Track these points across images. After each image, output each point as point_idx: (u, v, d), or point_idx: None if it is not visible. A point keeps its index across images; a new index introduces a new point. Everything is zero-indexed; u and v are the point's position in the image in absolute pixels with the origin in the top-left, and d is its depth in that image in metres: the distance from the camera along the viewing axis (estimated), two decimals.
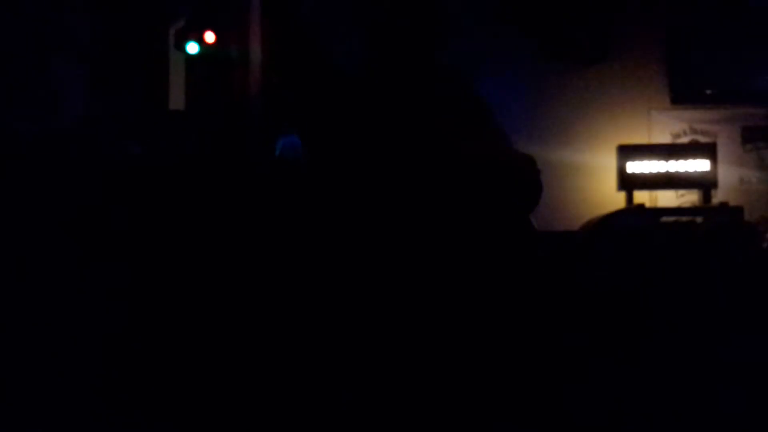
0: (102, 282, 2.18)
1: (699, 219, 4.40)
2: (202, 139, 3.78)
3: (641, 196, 4.89)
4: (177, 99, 4.62)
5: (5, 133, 2.93)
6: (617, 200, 4.83)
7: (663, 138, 5.22)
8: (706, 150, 4.92)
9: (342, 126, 1.78)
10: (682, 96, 5.28)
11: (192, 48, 4.54)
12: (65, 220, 2.24)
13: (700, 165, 4.82)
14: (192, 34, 4.69)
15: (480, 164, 1.78)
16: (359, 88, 1.84)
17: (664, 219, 4.26)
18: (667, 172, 4.80)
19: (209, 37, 4.75)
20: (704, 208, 4.69)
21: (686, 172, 4.81)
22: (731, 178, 5.12)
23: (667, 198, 5.06)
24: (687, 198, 5.06)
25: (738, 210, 4.49)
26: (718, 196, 4.91)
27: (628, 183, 4.80)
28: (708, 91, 5.29)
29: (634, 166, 4.81)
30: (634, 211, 4.57)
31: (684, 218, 4.30)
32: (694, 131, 5.30)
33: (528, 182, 1.84)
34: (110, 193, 2.24)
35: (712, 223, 4.05)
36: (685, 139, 5.24)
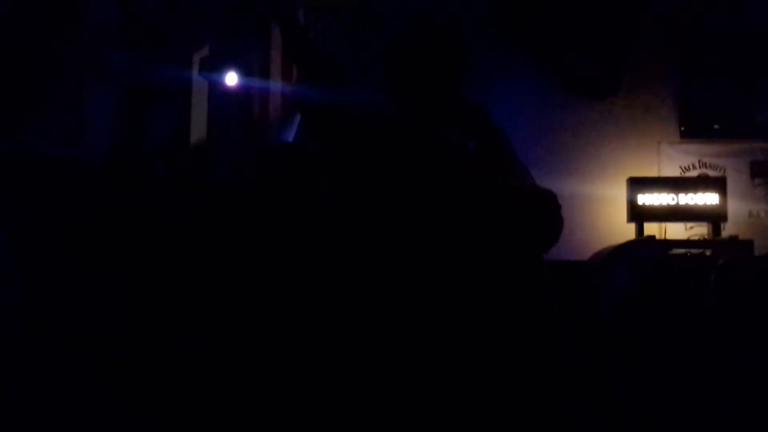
0: (130, 301, 2.25)
1: (708, 252, 4.47)
2: (224, 166, 3.88)
3: (650, 228, 4.96)
4: (199, 126, 4.73)
5: (39, 156, 3.02)
6: (627, 231, 4.91)
7: (672, 171, 5.31)
8: (716, 183, 5.00)
9: (367, 164, 1.84)
10: (691, 130, 5.38)
11: (230, 78, 4.64)
12: (96, 238, 2.33)
13: (710, 198, 4.90)
14: (215, 62, 4.81)
15: (506, 199, 1.84)
16: (384, 128, 1.91)
17: (675, 251, 4.33)
18: (677, 204, 4.88)
19: (229, 66, 4.87)
20: (714, 240, 4.76)
21: (696, 204, 4.89)
22: (740, 211, 5.20)
23: (676, 230, 5.14)
24: (696, 231, 5.13)
25: (748, 243, 4.56)
26: (727, 230, 4.98)
27: (639, 215, 4.88)
28: (716, 126, 5.39)
29: (644, 198, 4.89)
30: (644, 242, 4.65)
31: (694, 251, 4.37)
32: (702, 165, 5.39)
33: (551, 217, 1.90)
34: (139, 212, 2.32)
35: (727, 257, 4.11)
36: (693, 173, 5.32)
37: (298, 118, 3.62)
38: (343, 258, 1.82)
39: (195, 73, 4.88)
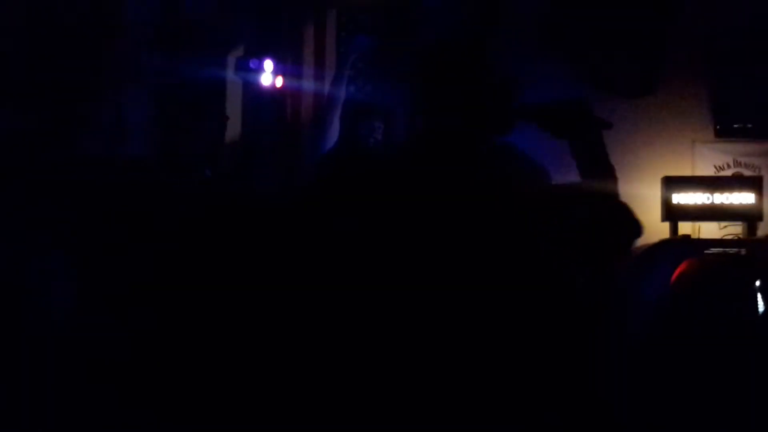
0: (172, 307, 2.29)
1: (744, 251, 4.44)
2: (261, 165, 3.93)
3: (685, 228, 4.93)
4: (234, 125, 4.79)
5: (82, 157, 3.10)
6: (662, 231, 4.88)
7: (706, 170, 5.26)
8: (752, 183, 4.96)
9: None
10: (725, 129, 5.33)
11: (265, 78, 4.71)
12: (144, 237, 2.38)
13: (745, 198, 4.86)
14: (250, 62, 4.88)
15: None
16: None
17: (711, 250, 4.30)
18: (713, 203, 4.84)
19: (264, 66, 4.93)
20: (750, 240, 4.72)
21: (731, 204, 4.85)
22: None
23: (710, 230, 5.10)
24: (729, 230, 5.09)
25: None
26: (762, 229, 4.94)
27: (673, 214, 4.85)
28: (751, 125, 5.34)
29: (679, 198, 4.86)
30: (679, 241, 4.62)
31: (730, 250, 4.34)
32: (737, 164, 5.34)
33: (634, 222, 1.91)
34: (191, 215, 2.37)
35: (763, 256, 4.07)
36: (728, 172, 5.28)
37: (335, 121, 3.66)
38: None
39: (230, 74, 4.96)
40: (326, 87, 5.00)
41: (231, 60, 4.95)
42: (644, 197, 5.03)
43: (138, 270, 2.34)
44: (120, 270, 2.36)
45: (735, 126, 5.34)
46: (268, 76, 4.90)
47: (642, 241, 5.17)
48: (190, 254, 2.27)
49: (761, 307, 3.28)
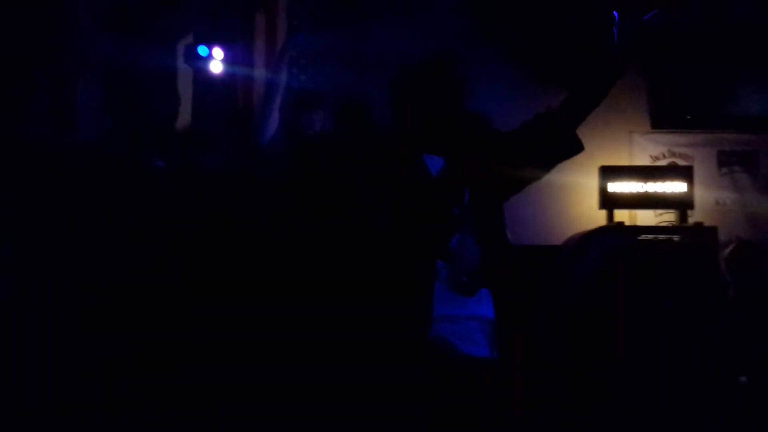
0: (119, 288, 2.35)
1: (676, 237, 4.66)
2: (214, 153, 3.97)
3: (621, 216, 5.15)
4: (184, 114, 4.82)
5: (33, 145, 3.10)
6: (599, 218, 5.09)
7: (643, 160, 5.49)
8: (684, 172, 5.19)
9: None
10: (661, 120, 5.57)
11: (215, 66, 4.73)
12: (93, 231, 2.42)
13: (677, 186, 5.10)
14: (199, 50, 4.89)
15: None
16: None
17: (643, 237, 4.52)
18: (646, 192, 5.07)
19: (214, 54, 4.95)
20: (680, 227, 4.95)
21: (664, 192, 5.08)
22: (708, 199, 5.40)
23: (646, 217, 5.33)
24: (664, 217, 5.33)
25: (712, 230, 4.77)
26: (694, 216, 5.18)
27: (609, 202, 5.06)
28: (687, 117, 5.58)
29: (615, 186, 5.07)
30: (614, 228, 4.83)
31: (661, 236, 4.56)
32: (672, 154, 5.58)
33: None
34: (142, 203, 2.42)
35: (688, 242, 4.30)
36: (663, 162, 5.51)
37: (275, 111, 3.73)
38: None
39: (180, 62, 4.96)
40: (267, 76, 5.05)
41: (181, 48, 4.96)
42: (583, 186, 5.25)
43: (83, 260, 2.38)
44: (64, 259, 2.40)
45: (671, 117, 5.58)
46: (218, 64, 4.93)
47: (580, 228, 5.38)
48: (143, 244, 2.34)
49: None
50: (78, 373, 2.27)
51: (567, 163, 2.63)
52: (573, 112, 2.07)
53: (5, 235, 2.40)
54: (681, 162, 5.50)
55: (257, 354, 1.93)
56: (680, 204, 5.07)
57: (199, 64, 4.87)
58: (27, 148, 2.88)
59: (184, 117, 4.79)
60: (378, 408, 1.76)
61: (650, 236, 4.52)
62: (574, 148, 2.11)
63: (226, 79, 4.98)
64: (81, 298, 2.35)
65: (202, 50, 4.85)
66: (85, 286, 2.32)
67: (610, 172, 5.10)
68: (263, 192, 2.11)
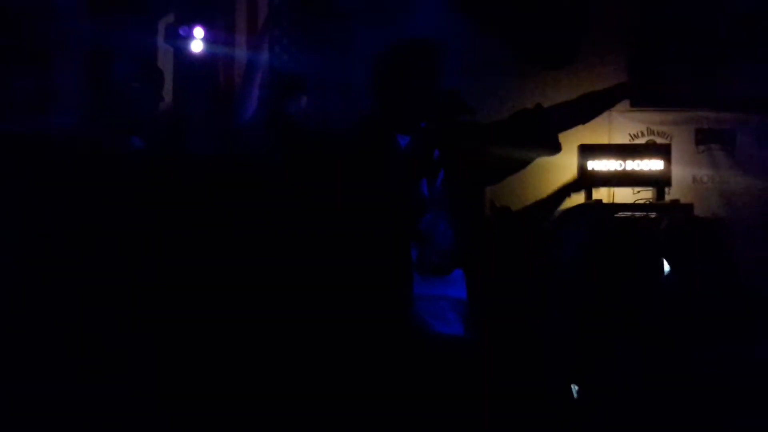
0: (103, 279, 2.37)
1: (653, 214, 4.74)
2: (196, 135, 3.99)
3: (600, 194, 5.22)
4: (165, 95, 4.81)
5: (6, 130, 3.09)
6: (577, 196, 5.16)
7: (622, 138, 5.55)
8: (661, 150, 5.26)
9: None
10: (640, 100, 5.62)
11: (196, 46, 4.72)
12: (72, 216, 2.44)
13: (655, 164, 5.17)
14: (180, 29, 4.88)
15: None
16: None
17: (620, 214, 4.59)
18: (624, 170, 5.14)
19: (195, 33, 4.95)
20: (657, 204, 5.03)
21: (642, 170, 5.15)
22: (685, 176, 5.47)
23: (624, 195, 5.40)
24: (642, 195, 5.41)
25: (688, 207, 4.84)
26: (672, 194, 5.26)
27: (588, 180, 5.13)
28: (665, 95, 5.64)
29: (593, 164, 5.14)
30: (591, 206, 4.91)
31: (638, 213, 4.64)
32: (651, 132, 5.64)
33: None
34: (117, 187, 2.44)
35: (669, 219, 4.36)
36: (642, 140, 5.58)
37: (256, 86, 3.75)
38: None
39: (161, 41, 4.96)
40: (248, 54, 5.05)
41: (161, 27, 4.95)
42: (563, 165, 5.30)
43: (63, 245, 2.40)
44: (43, 247, 2.41)
45: (649, 96, 5.63)
46: (199, 44, 4.92)
47: (560, 206, 5.44)
48: (123, 223, 2.36)
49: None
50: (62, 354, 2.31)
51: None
52: (559, 123, 2.15)
53: None
54: (659, 140, 5.57)
55: (247, 331, 1.98)
56: (658, 182, 5.15)
57: (180, 43, 4.86)
58: (5, 132, 2.89)
59: (166, 97, 4.79)
60: (353, 385, 1.82)
61: (627, 213, 4.59)
62: (553, 148, 2.18)
63: (207, 58, 4.98)
64: (61, 287, 2.37)
65: (183, 30, 4.84)
66: (64, 274, 2.34)
67: (588, 151, 5.16)
68: (244, 173, 2.15)
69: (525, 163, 2.19)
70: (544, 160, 5.31)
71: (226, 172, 2.17)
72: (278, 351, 1.99)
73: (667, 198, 5.17)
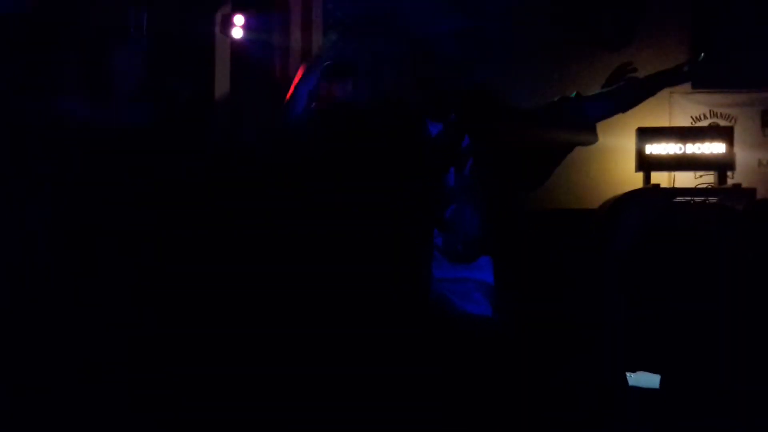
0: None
1: (713, 199, 4.62)
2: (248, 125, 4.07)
3: (661, 177, 5.11)
4: (222, 83, 4.91)
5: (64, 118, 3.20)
6: (636, 181, 5.07)
7: (683, 121, 5.42)
8: (723, 133, 5.12)
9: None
10: (702, 80, 5.47)
11: (236, 33, 4.80)
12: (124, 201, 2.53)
13: (716, 147, 5.03)
14: (236, 18, 4.97)
15: None
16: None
17: (678, 199, 4.49)
18: (684, 153, 5.02)
19: (252, 23, 5.03)
20: (718, 189, 4.90)
21: (703, 154, 5.02)
22: (750, 160, 5.32)
23: (685, 179, 5.28)
24: (704, 179, 5.28)
25: (751, 191, 4.70)
26: (736, 178, 5.11)
27: (646, 164, 5.03)
28: (729, 76, 5.47)
29: (652, 148, 5.03)
30: (648, 191, 4.81)
31: (698, 198, 4.53)
32: (714, 115, 5.49)
33: None
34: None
35: (727, 204, 4.25)
36: (705, 123, 5.44)
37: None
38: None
39: (217, 31, 5.04)
40: (314, 43, 5.09)
41: (218, 17, 5.03)
42: (621, 148, 5.21)
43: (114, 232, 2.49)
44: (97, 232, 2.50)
45: (712, 77, 5.47)
46: (256, 33, 4.99)
47: (617, 191, 5.35)
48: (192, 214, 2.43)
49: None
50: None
51: (605, 125, 2.66)
52: (598, 111, 2.13)
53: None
54: (722, 122, 5.42)
55: (270, 309, 2.04)
56: (720, 165, 5.01)
57: (237, 33, 4.94)
58: (64, 123, 2.99)
59: (222, 87, 4.88)
60: (378, 367, 1.85)
61: (686, 198, 4.49)
62: (589, 138, 2.16)
63: (262, 48, 5.05)
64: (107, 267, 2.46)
65: (237, 19, 4.92)
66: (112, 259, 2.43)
67: (647, 134, 5.06)
68: (289, 164, 2.20)
69: (562, 153, 2.17)
70: (601, 144, 5.28)
71: (274, 163, 2.22)
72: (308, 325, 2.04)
73: (729, 182, 5.03)
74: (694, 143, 5.02)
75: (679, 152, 5.02)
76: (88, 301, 2.44)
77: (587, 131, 2.18)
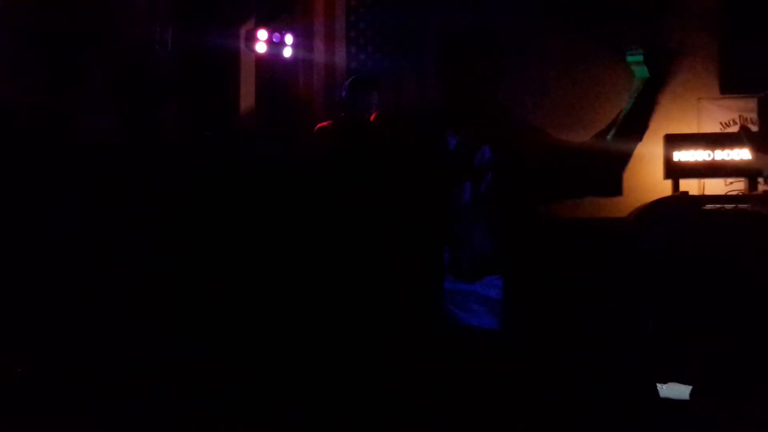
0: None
1: (744, 206, 4.53)
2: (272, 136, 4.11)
3: (690, 185, 5.03)
4: (248, 96, 4.97)
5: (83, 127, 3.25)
6: (664, 188, 5.00)
7: (712, 127, 5.34)
8: (754, 139, 5.02)
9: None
10: (731, 86, 5.39)
11: (260, 47, 4.86)
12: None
13: (746, 153, 4.94)
14: (260, 33, 5.03)
15: None
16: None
17: (708, 206, 4.40)
18: (713, 160, 4.94)
19: (276, 37, 5.08)
20: (748, 196, 4.82)
21: (732, 160, 4.94)
22: None
23: (715, 186, 5.19)
24: (735, 186, 5.19)
25: None
26: (765, 185, 5.01)
27: (674, 171, 4.96)
28: (757, 81, 5.38)
29: (680, 155, 4.96)
30: (676, 198, 4.73)
31: (728, 206, 4.45)
32: (744, 120, 5.41)
33: None
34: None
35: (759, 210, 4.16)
36: (734, 129, 5.35)
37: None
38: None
39: (243, 45, 5.11)
40: (336, 57, 5.13)
41: (242, 32, 5.10)
42: (648, 156, 5.14)
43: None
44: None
45: (741, 82, 5.39)
46: (280, 48, 5.05)
47: (645, 198, 5.28)
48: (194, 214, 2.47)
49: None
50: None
51: None
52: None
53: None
54: (753, 128, 5.32)
55: (279, 319, 2.05)
56: (749, 172, 4.92)
57: (261, 47, 5.00)
58: (84, 134, 3.04)
59: (248, 100, 4.94)
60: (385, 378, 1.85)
61: (716, 206, 4.40)
62: (614, 190, 2.14)
63: (287, 61, 5.10)
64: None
65: (261, 34, 4.98)
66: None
67: (675, 141, 4.99)
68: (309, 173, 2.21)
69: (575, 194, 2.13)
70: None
71: (291, 173, 2.24)
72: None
73: (760, 188, 4.93)
74: (723, 149, 4.94)
75: (708, 159, 4.95)
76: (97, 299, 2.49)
77: (609, 183, 2.14)
